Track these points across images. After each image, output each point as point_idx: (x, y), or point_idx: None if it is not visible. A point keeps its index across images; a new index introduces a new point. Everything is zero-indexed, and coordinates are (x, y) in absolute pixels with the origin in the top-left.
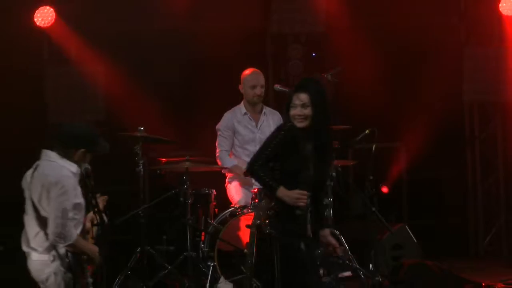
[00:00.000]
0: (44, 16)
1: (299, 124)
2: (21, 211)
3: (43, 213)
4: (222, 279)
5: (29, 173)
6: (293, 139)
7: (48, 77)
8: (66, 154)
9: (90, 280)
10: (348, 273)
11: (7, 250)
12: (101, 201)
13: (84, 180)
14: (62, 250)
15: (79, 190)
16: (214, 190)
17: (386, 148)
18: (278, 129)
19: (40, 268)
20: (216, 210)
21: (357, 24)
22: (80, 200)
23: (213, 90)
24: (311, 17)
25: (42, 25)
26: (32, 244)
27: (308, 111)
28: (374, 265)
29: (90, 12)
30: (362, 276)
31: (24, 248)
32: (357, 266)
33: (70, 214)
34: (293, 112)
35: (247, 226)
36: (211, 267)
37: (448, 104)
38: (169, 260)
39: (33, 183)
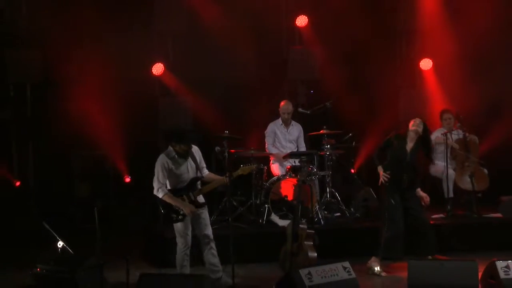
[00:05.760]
0: (157, 68)
1: None
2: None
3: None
4: (273, 214)
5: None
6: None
7: (160, 104)
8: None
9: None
10: (338, 214)
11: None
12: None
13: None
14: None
15: (170, 163)
16: (265, 167)
17: (357, 146)
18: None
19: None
20: (266, 177)
21: (340, 72)
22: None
23: (258, 110)
24: (310, 68)
25: (156, 74)
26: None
27: None
28: (353, 208)
29: (183, 66)
30: (347, 215)
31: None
32: (344, 208)
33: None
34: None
35: (298, 180)
36: (266, 208)
37: (391, 123)
38: (241, 205)
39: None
